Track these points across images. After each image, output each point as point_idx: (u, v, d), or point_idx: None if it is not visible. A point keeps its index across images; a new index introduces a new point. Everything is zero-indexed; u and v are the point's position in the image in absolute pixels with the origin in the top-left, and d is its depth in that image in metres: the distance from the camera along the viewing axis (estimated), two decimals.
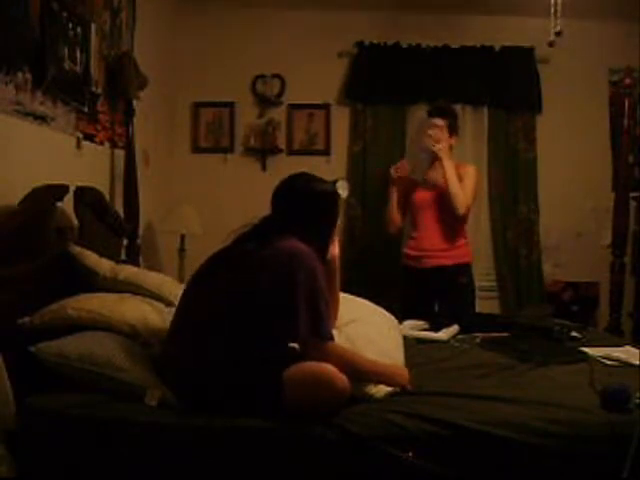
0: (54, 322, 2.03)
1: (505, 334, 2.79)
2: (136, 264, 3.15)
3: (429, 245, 3.54)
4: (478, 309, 3.93)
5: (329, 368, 1.77)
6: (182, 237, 4.05)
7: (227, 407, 1.77)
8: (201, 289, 1.96)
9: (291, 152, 4.49)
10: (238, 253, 1.95)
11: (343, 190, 3.49)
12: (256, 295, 1.85)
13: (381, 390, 1.90)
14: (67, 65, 2.65)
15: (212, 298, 1.91)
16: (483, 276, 4.48)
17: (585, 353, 2.41)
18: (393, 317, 2.66)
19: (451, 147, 3.59)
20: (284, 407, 1.75)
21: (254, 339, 1.86)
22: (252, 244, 1.94)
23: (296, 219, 1.99)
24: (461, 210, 3.44)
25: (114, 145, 3.29)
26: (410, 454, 1.68)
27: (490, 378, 2.13)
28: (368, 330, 2.23)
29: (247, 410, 1.76)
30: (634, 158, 3.65)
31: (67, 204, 2.49)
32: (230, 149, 4.48)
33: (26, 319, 2.02)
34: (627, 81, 3.47)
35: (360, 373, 1.89)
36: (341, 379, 1.76)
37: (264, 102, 4.47)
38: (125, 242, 3.22)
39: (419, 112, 4.42)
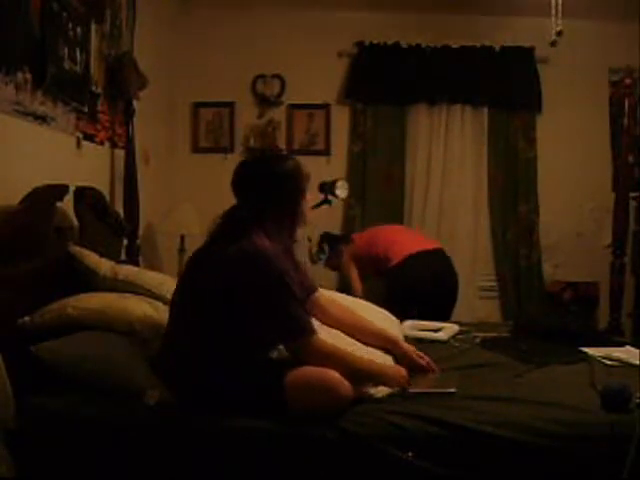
0: (54, 321, 2.03)
1: (506, 334, 2.80)
2: (136, 264, 3.14)
3: None
4: (478, 309, 3.95)
5: (332, 374, 1.76)
6: (182, 237, 4.04)
7: (227, 409, 1.77)
8: (179, 293, 1.96)
9: (291, 152, 4.49)
10: (205, 256, 1.93)
11: (342, 190, 3.52)
12: (224, 301, 1.82)
13: (382, 391, 1.90)
14: (67, 65, 2.65)
15: (185, 303, 1.91)
16: (483, 276, 4.49)
17: (585, 353, 2.41)
18: (393, 317, 2.66)
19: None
20: (286, 411, 1.74)
21: (232, 344, 1.84)
22: (218, 245, 1.90)
23: (262, 205, 1.93)
24: None
25: (114, 145, 3.29)
26: (410, 454, 1.68)
27: (490, 378, 2.13)
28: None
29: (248, 413, 1.76)
30: (634, 158, 3.65)
31: (67, 204, 2.48)
32: (230, 149, 4.48)
33: (26, 319, 2.02)
34: (627, 81, 3.47)
35: (354, 371, 1.85)
36: (344, 385, 1.75)
37: (264, 102, 4.47)
38: (125, 242, 3.22)
39: (419, 112, 4.44)
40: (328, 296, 2.31)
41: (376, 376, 1.92)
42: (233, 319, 1.83)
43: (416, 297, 3.34)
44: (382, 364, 2.01)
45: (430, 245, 3.57)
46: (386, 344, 2.21)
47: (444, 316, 3.33)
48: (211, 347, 1.85)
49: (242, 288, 1.80)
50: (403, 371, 2.00)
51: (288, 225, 1.99)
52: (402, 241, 3.57)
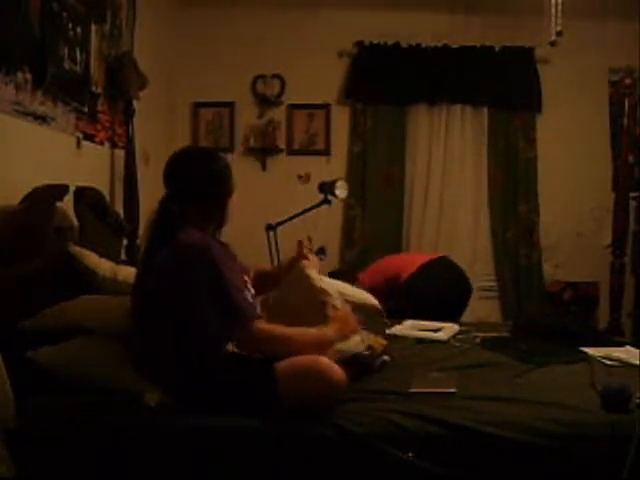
0: (54, 325, 2.03)
1: (506, 334, 2.80)
2: (136, 264, 3.14)
3: None
4: (478, 309, 3.94)
5: (322, 360, 1.76)
6: None
7: (223, 409, 1.77)
8: (133, 296, 1.97)
9: (291, 152, 4.50)
10: (144, 261, 1.94)
11: (342, 190, 3.52)
12: (172, 302, 1.82)
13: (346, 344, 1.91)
14: (67, 65, 2.65)
15: (140, 307, 1.91)
16: (483, 276, 4.48)
17: (585, 353, 2.41)
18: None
19: None
20: (280, 403, 1.74)
21: (194, 343, 1.82)
22: (153, 248, 1.90)
23: (193, 200, 1.94)
24: None
25: (114, 145, 3.29)
26: (410, 454, 1.68)
27: (490, 378, 2.13)
28: None
29: (241, 409, 1.76)
30: (634, 158, 3.65)
31: (67, 204, 2.49)
32: (230, 149, 4.47)
33: (26, 322, 2.02)
34: (627, 81, 3.48)
35: (302, 345, 1.83)
36: (337, 371, 1.75)
37: (264, 102, 4.47)
38: (125, 242, 3.22)
39: (419, 112, 4.44)
40: None
41: (323, 342, 1.91)
42: (185, 318, 1.81)
43: (446, 299, 3.36)
44: (322, 329, 1.97)
45: (435, 255, 3.65)
46: (290, 266, 2.25)
47: (459, 314, 3.39)
48: (176, 349, 1.83)
49: (183, 288, 1.80)
50: (349, 319, 2.03)
51: (214, 222, 2.00)
52: (408, 258, 3.66)
